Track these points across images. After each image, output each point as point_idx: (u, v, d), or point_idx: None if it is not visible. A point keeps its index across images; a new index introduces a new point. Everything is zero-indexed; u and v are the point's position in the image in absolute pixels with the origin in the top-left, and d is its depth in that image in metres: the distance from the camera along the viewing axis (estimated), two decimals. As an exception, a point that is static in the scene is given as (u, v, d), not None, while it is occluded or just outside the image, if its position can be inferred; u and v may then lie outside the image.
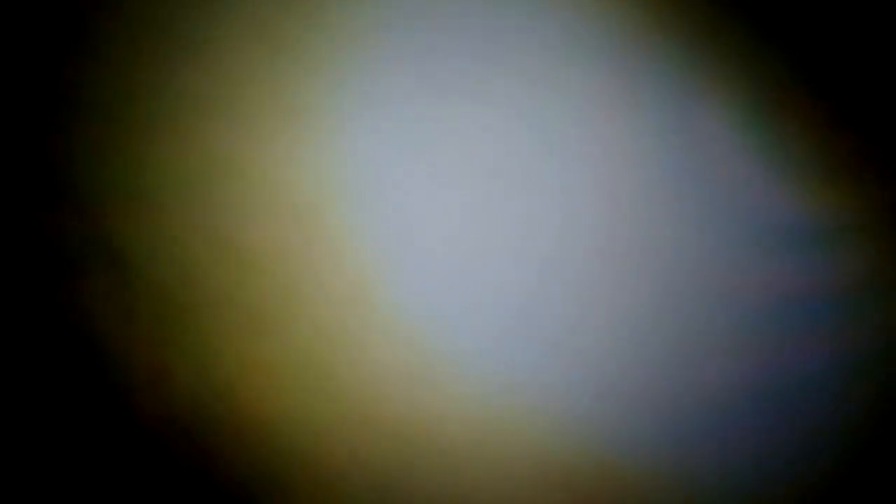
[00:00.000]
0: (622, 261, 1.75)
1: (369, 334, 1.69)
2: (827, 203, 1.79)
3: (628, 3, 1.79)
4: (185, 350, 1.66)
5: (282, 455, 1.66)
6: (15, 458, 1.63)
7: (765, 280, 1.77)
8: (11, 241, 1.66)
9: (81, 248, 1.67)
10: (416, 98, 1.74)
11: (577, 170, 1.76)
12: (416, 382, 1.68)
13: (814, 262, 1.78)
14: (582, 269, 1.74)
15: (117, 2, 1.71)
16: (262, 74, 1.71)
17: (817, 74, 1.80)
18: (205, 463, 1.65)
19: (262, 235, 1.69)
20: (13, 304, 1.65)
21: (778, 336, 1.76)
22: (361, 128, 1.72)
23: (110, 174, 1.68)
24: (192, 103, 1.70)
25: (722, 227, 1.77)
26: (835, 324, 1.78)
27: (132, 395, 1.65)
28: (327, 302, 1.69)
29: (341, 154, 1.72)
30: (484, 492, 1.68)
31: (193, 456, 1.65)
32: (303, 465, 1.66)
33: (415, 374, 1.69)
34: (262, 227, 1.69)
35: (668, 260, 1.76)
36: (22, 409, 1.64)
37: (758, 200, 1.78)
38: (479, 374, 1.70)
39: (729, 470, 1.72)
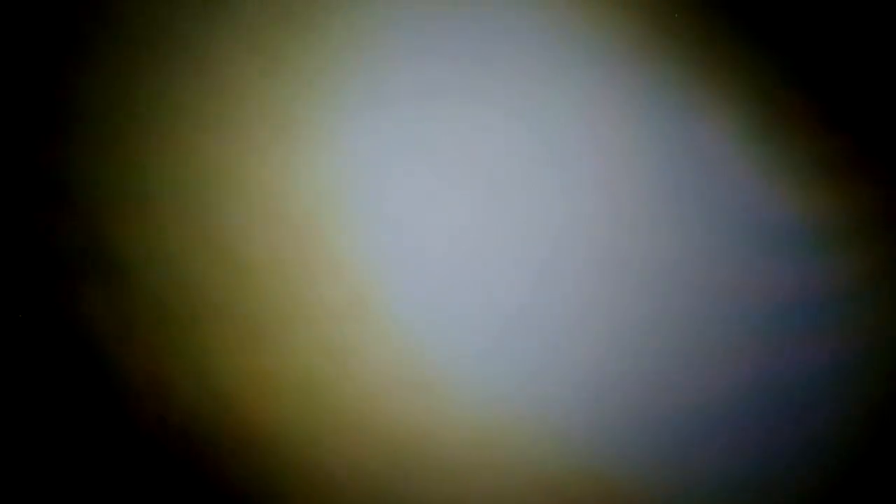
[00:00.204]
0: (620, 264, 1.75)
1: (367, 343, 1.70)
2: (825, 205, 1.78)
3: (627, 6, 1.78)
4: (183, 359, 1.68)
5: (280, 463, 1.67)
6: (14, 464, 1.65)
7: (763, 283, 1.77)
8: (11, 249, 1.68)
9: (80, 257, 1.68)
10: (413, 106, 1.74)
11: (576, 173, 1.76)
12: (413, 391, 1.69)
13: (812, 265, 1.78)
14: (580, 273, 1.74)
15: (115, 11, 1.72)
16: (259, 85, 1.72)
17: (814, 78, 1.79)
18: (203, 471, 1.67)
19: (259, 245, 1.70)
20: (12, 312, 1.67)
21: (777, 338, 1.76)
22: (358, 137, 1.73)
23: (109, 184, 1.70)
24: (190, 113, 1.71)
25: (720, 230, 1.77)
26: (834, 325, 1.77)
27: (130, 403, 1.67)
28: (325, 311, 1.70)
29: (338, 163, 1.72)
30: (481, 500, 1.69)
31: (191, 464, 1.67)
32: (300, 474, 1.67)
33: (412, 383, 1.69)
34: (259, 237, 1.70)
35: (666, 263, 1.76)
36: (21, 416, 1.66)
37: (756, 203, 1.78)
38: (476, 382, 1.70)
39: (728, 473, 1.72)
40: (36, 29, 1.70)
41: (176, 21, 1.71)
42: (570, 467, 1.70)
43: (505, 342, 1.72)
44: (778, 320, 1.76)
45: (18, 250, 1.68)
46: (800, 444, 1.74)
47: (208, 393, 1.67)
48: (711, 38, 1.78)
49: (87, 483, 1.66)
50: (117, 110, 1.70)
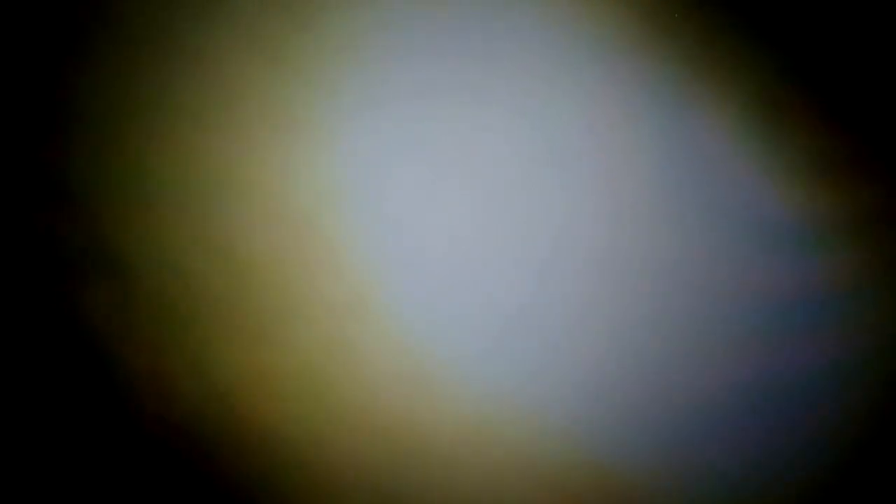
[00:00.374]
0: (620, 263, 1.75)
1: (367, 340, 1.70)
2: (825, 203, 1.78)
3: (627, 5, 1.78)
4: (184, 357, 1.68)
5: (281, 459, 1.68)
6: (17, 463, 1.66)
7: (764, 281, 1.77)
8: (13, 249, 1.68)
9: (82, 256, 1.68)
10: (413, 106, 1.74)
11: (577, 172, 1.76)
12: (413, 387, 1.70)
13: (812, 262, 1.78)
14: (580, 273, 1.74)
15: (115, 11, 1.72)
16: (259, 84, 1.72)
17: (814, 76, 1.79)
18: (204, 467, 1.67)
19: (260, 243, 1.70)
20: (15, 312, 1.67)
21: (776, 337, 1.76)
22: (358, 136, 1.73)
23: (110, 183, 1.70)
24: (190, 113, 1.71)
25: (720, 228, 1.77)
26: (834, 323, 1.77)
27: (133, 401, 1.67)
28: (325, 308, 1.70)
29: (338, 162, 1.72)
30: (481, 495, 1.69)
31: (193, 460, 1.67)
32: (301, 469, 1.68)
33: (412, 379, 1.70)
34: (260, 236, 1.70)
35: (666, 263, 1.76)
36: (24, 415, 1.66)
37: (756, 201, 1.77)
38: (476, 379, 1.71)
39: (727, 471, 1.73)
40: (36, 29, 1.70)
41: (176, 21, 1.71)
42: (569, 465, 1.70)
43: (505, 341, 1.72)
44: (778, 319, 1.76)
45: (19, 250, 1.68)
46: (800, 444, 1.74)
47: (210, 390, 1.67)
48: (711, 36, 1.78)
49: (90, 480, 1.66)
50: (117, 110, 1.70)
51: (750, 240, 1.77)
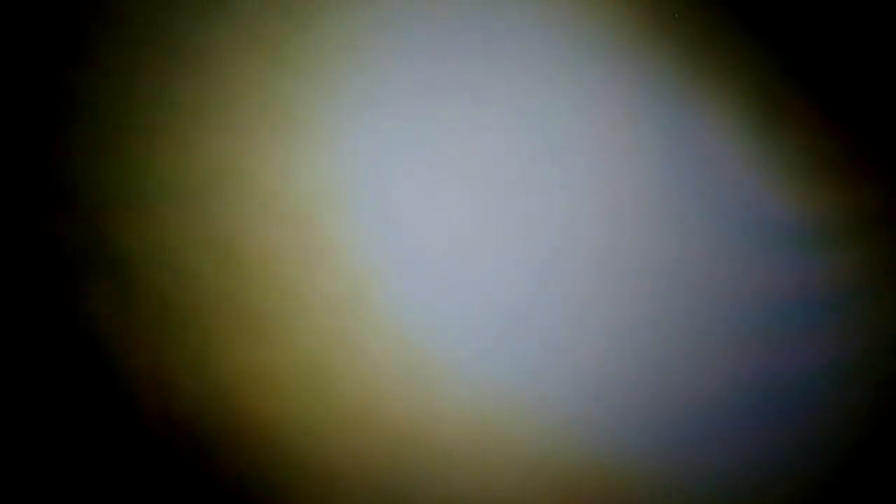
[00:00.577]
0: (620, 263, 1.75)
1: (367, 337, 1.70)
2: (825, 203, 1.78)
3: (627, 5, 1.78)
4: (184, 354, 1.68)
5: (280, 455, 1.68)
6: (18, 461, 1.66)
7: (764, 280, 1.77)
8: (13, 247, 1.68)
9: (81, 256, 1.69)
10: (413, 106, 1.74)
11: (577, 172, 1.76)
12: (413, 384, 1.70)
13: (812, 262, 1.77)
14: (579, 272, 1.74)
15: (115, 11, 1.72)
16: (259, 82, 1.72)
17: (814, 76, 1.79)
18: (205, 464, 1.67)
19: (261, 243, 1.70)
20: (15, 310, 1.67)
21: (776, 337, 1.76)
22: (358, 136, 1.73)
23: (110, 183, 1.70)
24: (190, 111, 1.71)
25: (721, 228, 1.77)
26: (834, 323, 1.77)
27: (133, 400, 1.67)
28: (325, 306, 1.70)
29: (338, 160, 1.72)
30: (481, 492, 1.69)
31: (194, 457, 1.67)
32: (301, 466, 1.68)
33: (412, 377, 1.70)
34: (261, 235, 1.70)
35: (666, 262, 1.76)
36: (24, 413, 1.66)
37: (756, 201, 1.77)
38: (476, 376, 1.71)
39: (727, 471, 1.73)
40: (36, 28, 1.70)
41: (176, 21, 1.71)
42: (569, 464, 1.70)
43: (505, 341, 1.72)
44: (778, 319, 1.76)
45: (20, 249, 1.68)
46: (800, 444, 1.74)
47: (210, 387, 1.68)
48: (711, 36, 1.78)
49: (91, 479, 1.66)
50: (117, 110, 1.70)
51: (750, 240, 1.77)
